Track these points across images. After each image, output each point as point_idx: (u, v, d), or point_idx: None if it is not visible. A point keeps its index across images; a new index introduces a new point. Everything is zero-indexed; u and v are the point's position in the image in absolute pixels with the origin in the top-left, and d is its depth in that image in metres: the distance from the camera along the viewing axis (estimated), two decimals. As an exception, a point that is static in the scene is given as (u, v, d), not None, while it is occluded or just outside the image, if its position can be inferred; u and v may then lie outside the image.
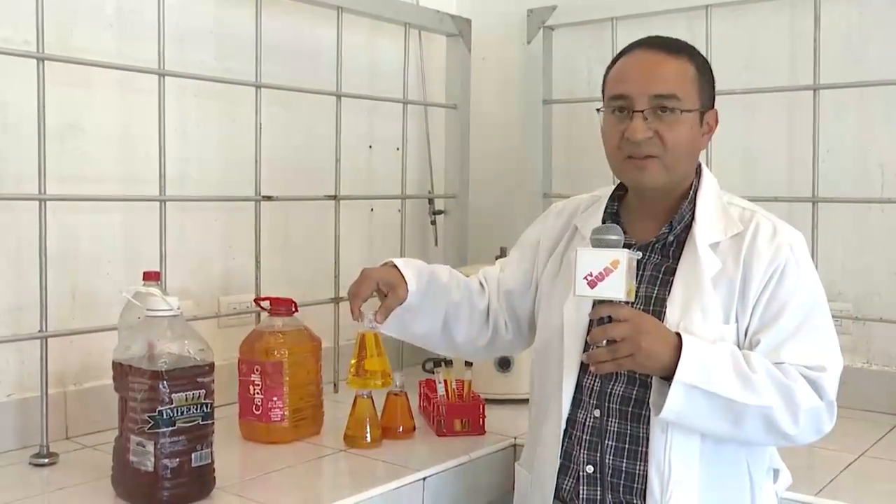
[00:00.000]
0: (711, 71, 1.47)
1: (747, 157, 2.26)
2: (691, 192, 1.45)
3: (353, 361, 1.66)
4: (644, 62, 1.42)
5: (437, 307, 1.58)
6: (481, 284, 1.65)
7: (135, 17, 1.91)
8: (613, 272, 1.28)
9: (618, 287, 1.28)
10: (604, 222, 1.47)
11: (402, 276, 1.52)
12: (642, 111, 1.38)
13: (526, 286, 1.62)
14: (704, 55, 1.50)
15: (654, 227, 1.46)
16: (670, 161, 1.40)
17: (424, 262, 1.63)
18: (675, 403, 1.30)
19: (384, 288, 1.51)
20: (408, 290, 1.52)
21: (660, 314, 1.39)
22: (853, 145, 2.15)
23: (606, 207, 1.51)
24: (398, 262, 1.55)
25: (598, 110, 1.47)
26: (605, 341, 1.30)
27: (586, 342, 1.40)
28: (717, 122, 1.47)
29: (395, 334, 1.61)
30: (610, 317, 1.30)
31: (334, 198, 2.22)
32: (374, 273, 1.53)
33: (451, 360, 1.96)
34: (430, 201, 2.63)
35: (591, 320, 1.36)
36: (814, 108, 2.12)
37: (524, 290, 1.62)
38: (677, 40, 1.47)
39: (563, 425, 1.45)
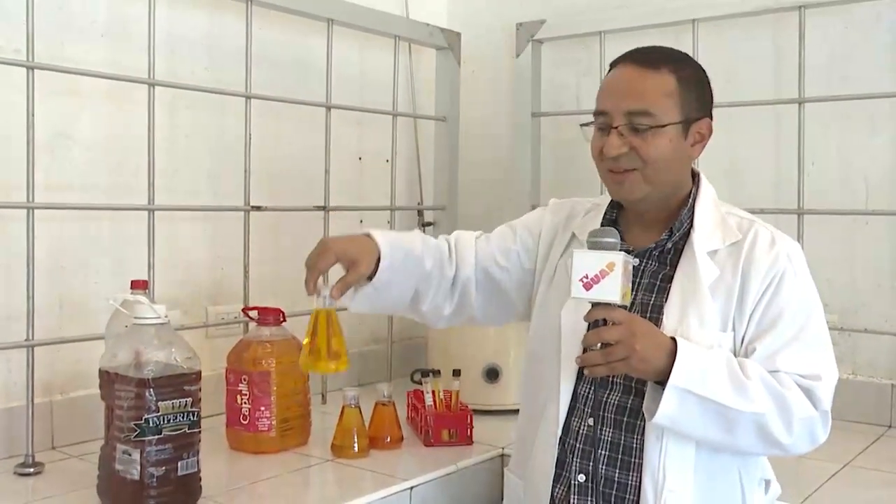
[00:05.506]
0: (704, 80, 1.45)
1: (733, 170, 2.27)
2: (690, 201, 1.46)
3: (305, 341, 1.44)
4: (622, 78, 1.43)
5: (408, 280, 1.51)
6: (449, 250, 1.58)
7: (126, 28, 1.92)
8: (609, 275, 1.28)
9: (613, 289, 1.28)
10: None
11: (374, 249, 1.43)
12: (617, 127, 1.40)
13: (516, 269, 1.58)
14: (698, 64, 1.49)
15: (652, 234, 1.46)
16: (650, 174, 1.41)
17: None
18: (669, 408, 1.30)
19: (344, 263, 1.42)
20: (373, 265, 1.43)
21: (657, 321, 1.39)
22: (838, 158, 2.17)
23: (606, 214, 1.51)
24: (375, 233, 1.46)
25: (581, 125, 1.48)
26: (599, 344, 1.30)
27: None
28: (710, 130, 1.45)
29: (364, 309, 1.50)
30: (605, 320, 1.30)
31: (323, 208, 2.23)
32: (335, 245, 1.42)
33: (438, 371, 1.96)
34: (420, 212, 2.64)
35: (588, 325, 1.35)
36: (799, 121, 2.14)
37: (511, 272, 1.58)
38: (661, 51, 1.46)
39: (559, 433, 1.44)
